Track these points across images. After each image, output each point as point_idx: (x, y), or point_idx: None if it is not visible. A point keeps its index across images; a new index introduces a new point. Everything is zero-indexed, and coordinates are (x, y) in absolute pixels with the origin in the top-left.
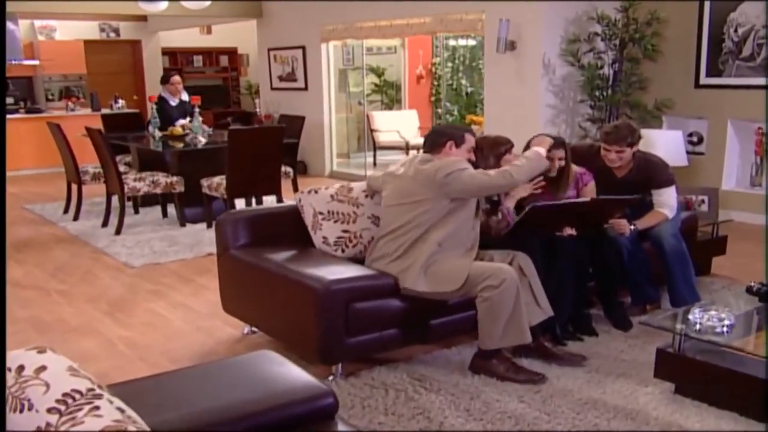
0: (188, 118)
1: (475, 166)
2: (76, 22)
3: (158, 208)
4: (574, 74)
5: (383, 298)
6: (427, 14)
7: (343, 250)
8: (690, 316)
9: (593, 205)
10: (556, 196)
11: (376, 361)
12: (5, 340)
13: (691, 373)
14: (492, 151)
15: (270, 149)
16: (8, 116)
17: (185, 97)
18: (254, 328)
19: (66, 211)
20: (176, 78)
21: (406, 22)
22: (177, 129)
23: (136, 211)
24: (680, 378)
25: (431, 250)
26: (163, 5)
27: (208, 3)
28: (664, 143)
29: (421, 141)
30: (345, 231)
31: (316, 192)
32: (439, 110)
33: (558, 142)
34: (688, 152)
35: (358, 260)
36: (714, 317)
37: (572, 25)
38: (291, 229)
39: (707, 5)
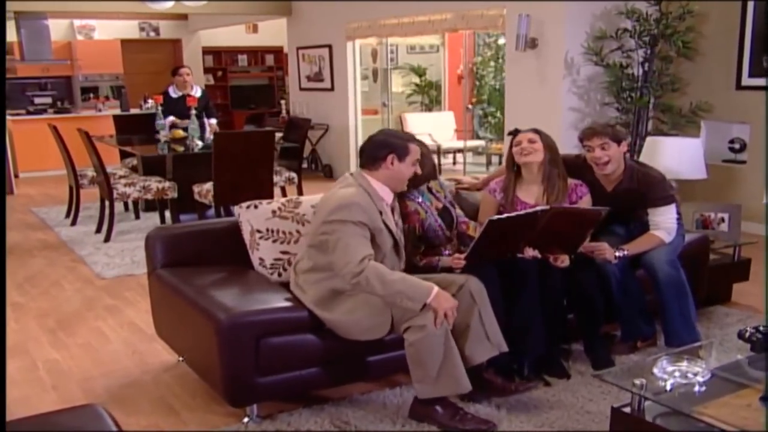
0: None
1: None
2: (116, 22)
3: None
4: (601, 74)
5: (301, 333)
6: (448, 10)
7: (280, 274)
8: (655, 369)
9: (555, 216)
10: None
11: (301, 401)
12: (5, 340)
13: None
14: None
15: (260, 154)
16: (36, 117)
17: (197, 92)
18: None
19: (68, 215)
20: (185, 69)
21: (428, 19)
22: (178, 132)
23: (137, 216)
24: None
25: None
26: (169, 4)
27: (204, 2)
28: (678, 152)
29: (455, 144)
30: (284, 252)
31: (255, 207)
32: (480, 112)
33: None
34: (728, 161)
35: None
36: (684, 371)
37: (599, 20)
38: (233, 248)
39: None
